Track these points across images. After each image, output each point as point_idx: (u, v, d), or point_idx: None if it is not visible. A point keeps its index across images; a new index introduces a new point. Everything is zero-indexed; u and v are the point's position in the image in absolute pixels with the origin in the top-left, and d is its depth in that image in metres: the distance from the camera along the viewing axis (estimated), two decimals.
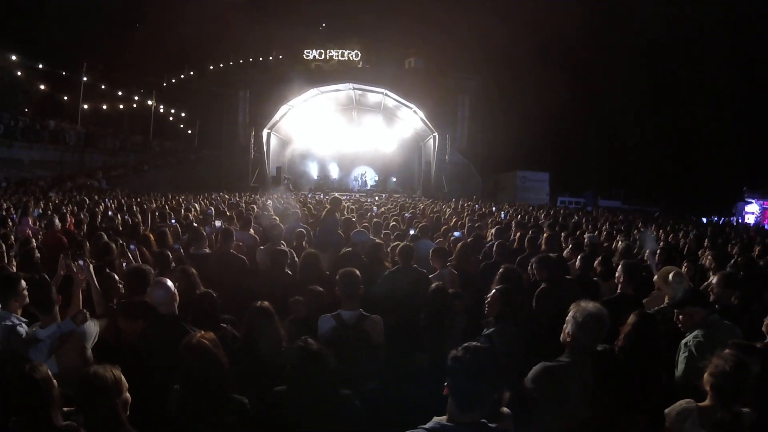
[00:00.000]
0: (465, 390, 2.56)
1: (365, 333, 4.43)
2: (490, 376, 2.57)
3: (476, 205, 21.61)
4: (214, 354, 3.13)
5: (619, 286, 5.53)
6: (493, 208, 16.00)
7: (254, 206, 14.63)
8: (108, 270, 5.28)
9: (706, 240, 10.57)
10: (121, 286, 5.00)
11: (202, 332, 3.27)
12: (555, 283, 5.65)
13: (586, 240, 9.13)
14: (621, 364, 3.75)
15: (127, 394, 2.84)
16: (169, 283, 4.23)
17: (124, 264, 6.04)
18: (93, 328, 3.79)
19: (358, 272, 4.73)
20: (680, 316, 4.29)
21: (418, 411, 2.83)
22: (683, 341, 4.12)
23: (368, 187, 40.11)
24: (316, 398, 3.18)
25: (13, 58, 37.49)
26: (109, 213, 11.89)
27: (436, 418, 2.62)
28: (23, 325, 3.89)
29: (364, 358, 4.24)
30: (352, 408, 3.31)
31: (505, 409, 3.28)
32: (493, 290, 4.49)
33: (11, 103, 36.16)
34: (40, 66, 39.77)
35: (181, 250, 7.44)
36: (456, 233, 9.37)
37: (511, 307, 4.33)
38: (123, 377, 2.83)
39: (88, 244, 6.82)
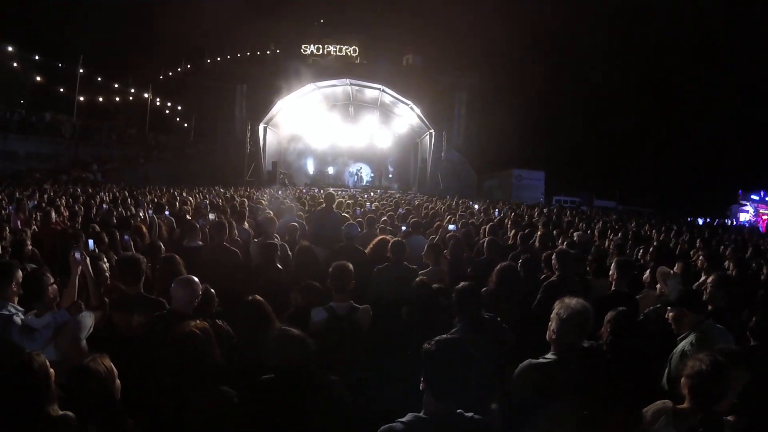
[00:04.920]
0: (440, 380, 2.66)
1: (357, 324, 4.53)
2: (462, 366, 2.67)
3: (470, 202, 21.67)
4: (205, 344, 3.16)
5: (613, 283, 5.54)
6: (495, 212, 15.91)
7: (246, 200, 14.61)
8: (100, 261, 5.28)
9: (698, 241, 10.62)
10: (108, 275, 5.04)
11: (196, 322, 3.30)
12: (565, 279, 5.70)
13: (576, 238, 9.20)
14: (608, 360, 3.79)
15: (118, 381, 2.89)
16: (196, 284, 4.28)
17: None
18: (88, 319, 3.82)
19: (350, 266, 4.80)
20: (671, 314, 4.32)
21: (399, 403, 2.88)
22: (678, 347, 4.12)
23: (363, 183, 40.08)
24: (301, 383, 3.22)
25: (9, 49, 37.18)
26: (104, 206, 11.91)
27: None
28: (20, 314, 3.92)
29: (354, 349, 4.29)
30: (338, 392, 3.35)
31: (494, 405, 3.34)
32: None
33: (6, 95, 35.89)
34: (36, 58, 39.45)
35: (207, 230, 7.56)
36: (451, 227, 9.43)
37: (466, 304, 4.31)
38: (113, 367, 2.88)
39: (83, 236, 6.85)
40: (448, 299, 4.84)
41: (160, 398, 3.14)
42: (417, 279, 5.16)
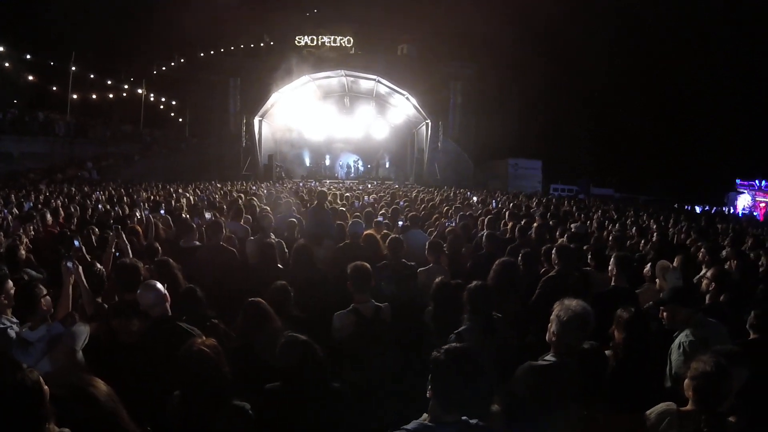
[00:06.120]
0: (448, 392, 2.57)
1: (384, 322, 4.50)
2: (473, 378, 2.56)
3: (468, 192, 21.61)
4: (214, 362, 3.09)
5: (613, 278, 5.48)
6: (493, 203, 15.82)
7: (242, 195, 14.51)
8: (97, 266, 5.22)
9: (692, 232, 10.52)
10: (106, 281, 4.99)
11: (203, 338, 3.24)
12: (565, 274, 5.64)
13: (573, 230, 9.16)
14: (620, 361, 3.76)
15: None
16: (158, 284, 4.18)
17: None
18: (83, 330, 3.76)
19: (368, 265, 4.76)
20: (664, 313, 4.31)
21: (405, 408, 2.84)
22: (675, 342, 4.10)
23: (360, 173, 40.06)
24: (309, 392, 3.19)
25: (0, 49, 36.99)
26: (99, 206, 11.84)
27: (421, 418, 2.64)
28: (14, 327, 3.87)
29: (384, 348, 4.23)
30: (344, 400, 3.32)
31: (495, 406, 3.30)
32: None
33: None
34: (28, 57, 39.20)
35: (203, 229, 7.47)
36: (447, 222, 9.38)
37: (480, 304, 4.20)
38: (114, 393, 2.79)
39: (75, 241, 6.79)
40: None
41: (170, 414, 3.07)
42: (437, 280, 5.02)
